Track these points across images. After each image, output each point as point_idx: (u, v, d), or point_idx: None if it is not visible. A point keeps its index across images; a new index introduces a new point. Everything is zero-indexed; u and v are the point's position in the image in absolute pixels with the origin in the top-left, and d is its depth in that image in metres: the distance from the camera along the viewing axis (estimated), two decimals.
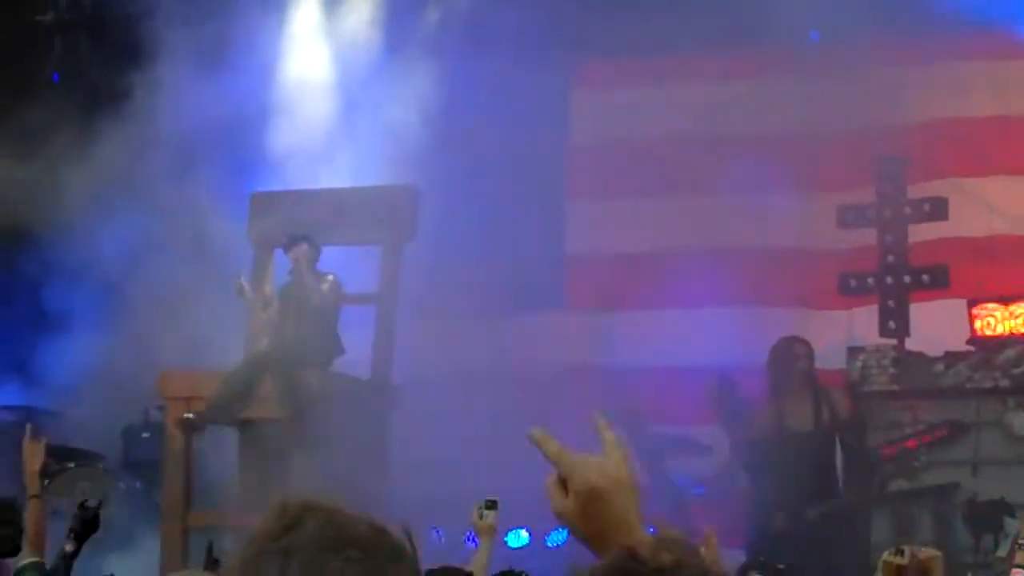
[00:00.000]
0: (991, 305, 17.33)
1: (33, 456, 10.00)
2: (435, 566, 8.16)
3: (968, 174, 18.51)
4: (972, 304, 17.47)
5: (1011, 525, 15.29)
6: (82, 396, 17.70)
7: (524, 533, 16.89)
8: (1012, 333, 17.07)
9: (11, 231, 19.95)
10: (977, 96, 18.90)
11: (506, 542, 15.25)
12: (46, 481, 16.24)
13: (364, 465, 15.56)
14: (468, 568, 8.75)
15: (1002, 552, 14.93)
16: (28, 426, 10.91)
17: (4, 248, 20.37)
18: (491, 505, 9.92)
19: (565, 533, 16.27)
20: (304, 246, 15.92)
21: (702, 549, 8.09)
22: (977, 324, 17.14)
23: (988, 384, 16.49)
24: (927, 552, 8.79)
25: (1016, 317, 17.12)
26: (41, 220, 19.10)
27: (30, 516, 9.66)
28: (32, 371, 18.59)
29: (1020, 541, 6.90)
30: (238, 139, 19.15)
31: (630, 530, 3.02)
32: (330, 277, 16.16)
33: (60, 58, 21.43)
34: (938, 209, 17.52)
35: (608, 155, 20.14)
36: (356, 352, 16.53)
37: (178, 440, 15.66)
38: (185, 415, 15.40)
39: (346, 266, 17.04)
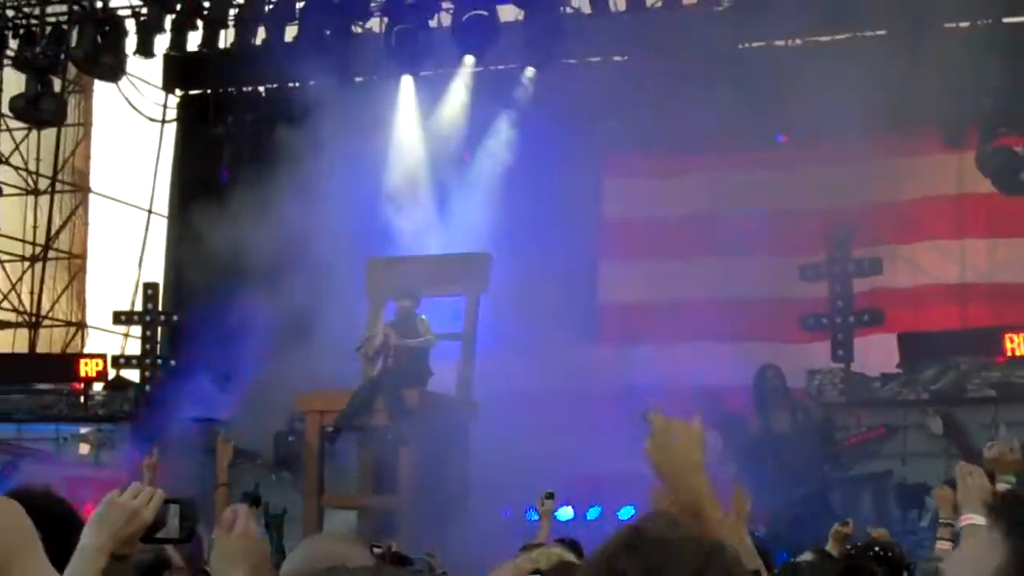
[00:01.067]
0: None
1: (223, 453, 10.30)
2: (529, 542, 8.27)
3: (899, 241, 18.92)
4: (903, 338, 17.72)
5: (931, 502, 16.07)
6: (247, 409, 18.45)
7: (570, 510, 16.69)
8: None
9: (207, 286, 20.55)
10: (905, 184, 19.08)
11: (556, 516, 15.57)
12: None
13: (451, 459, 16.02)
14: (534, 541, 8.59)
15: (924, 523, 15.30)
16: (222, 431, 11.48)
17: (203, 300, 20.73)
18: (550, 496, 10.41)
19: (600, 510, 17.01)
20: (407, 299, 16.19)
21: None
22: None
23: (912, 397, 16.97)
24: (879, 532, 9.21)
25: None
26: (226, 279, 19.74)
27: (220, 498, 9.81)
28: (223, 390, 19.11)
29: (942, 520, 6.70)
30: (358, 211, 19.38)
31: (692, 463, 3.24)
32: (424, 318, 16.23)
33: (228, 159, 22.00)
34: (875, 267, 17.83)
35: (630, 228, 20.46)
36: (446, 375, 16.64)
37: (315, 442, 15.92)
38: (328, 429, 15.74)
39: (439, 312, 17.10)
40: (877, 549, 7.22)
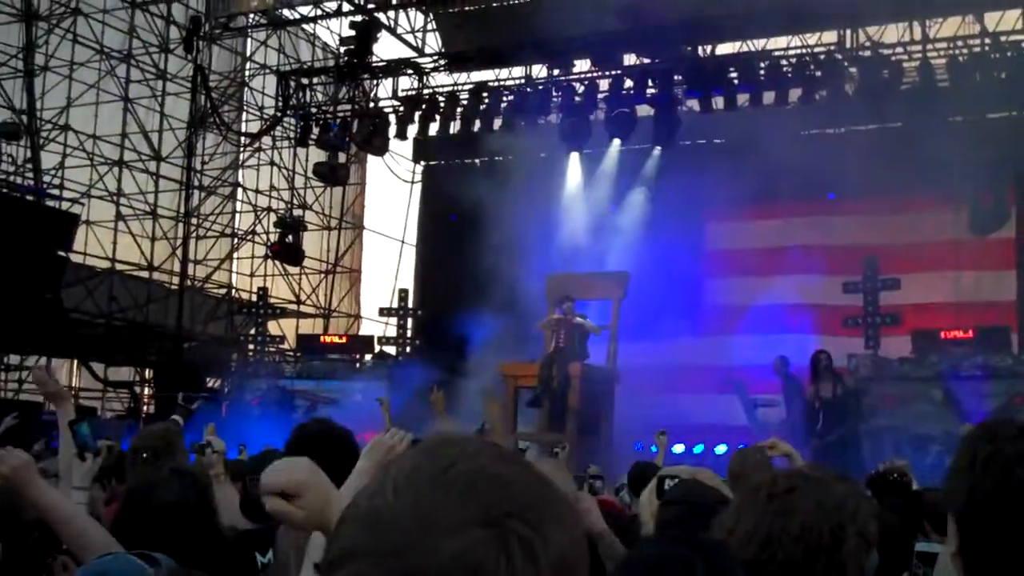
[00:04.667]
0: None
1: (438, 400, 9.76)
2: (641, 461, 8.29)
3: (913, 270, 18.56)
4: (914, 334, 17.61)
5: (932, 447, 15.72)
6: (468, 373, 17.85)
7: (681, 446, 16.72)
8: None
9: (442, 291, 21.33)
10: (917, 229, 19.06)
11: (671, 451, 14.93)
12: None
13: (602, 409, 16.26)
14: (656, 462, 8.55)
15: (928, 461, 15.53)
16: (435, 388, 11.46)
17: (439, 300, 21.41)
18: (662, 433, 10.95)
19: (703, 446, 17.09)
20: (571, 302, 16.15)
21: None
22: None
23: (921, 374, 16.62)
24: (901, 461, 9.69)
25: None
26: (454, 286, 20.34)
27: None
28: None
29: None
30: (542, 242, 19.52)
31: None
32: (584, 316, 16.38)
33: (455, 207, 21.66)
34: (895, 285, 17.80)
35: (724, 255, 20.58)
36: (599, 353, 16.88)
37: (511, 395, 16.08)
38: (526, 393, 15.91)
39: (596, 311, 17.20)
40: (895, 474, 6.91)
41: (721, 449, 17.50)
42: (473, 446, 1.14)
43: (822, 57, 19.04)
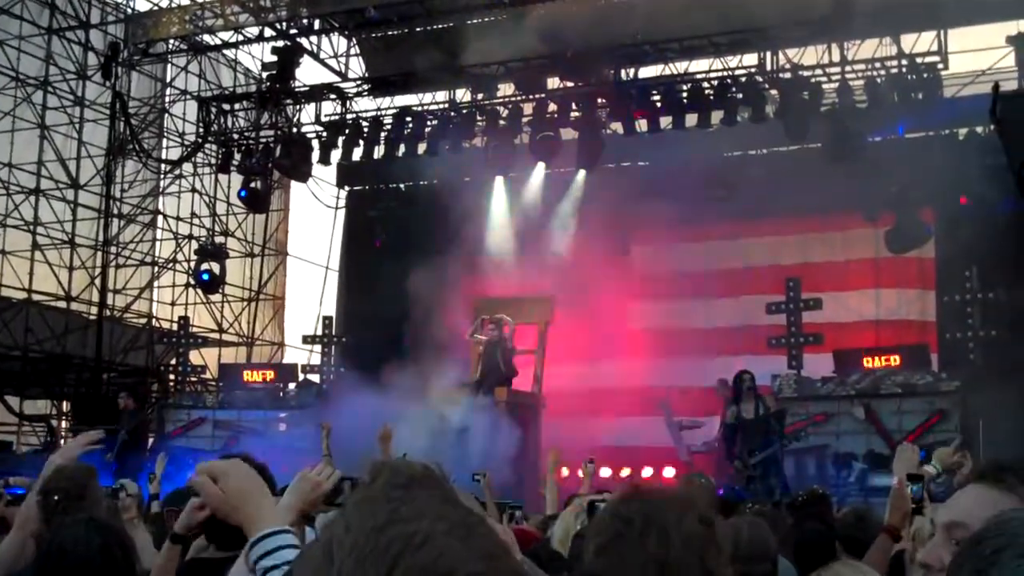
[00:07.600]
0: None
1: (386, 437, 9.59)
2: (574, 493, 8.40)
3: (835, 290, 18.90)
4: (836, 354, 17.68)
5: (856, 464, 15.90)
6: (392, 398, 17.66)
7: (608, 469, 16.79)
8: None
9: (366, 317, 21.16)
10: (838, 249, 19.43)
11: (599, 474, 15.07)
12: None
13: (528, 434, 16.23)
14: (579, 492, 8.62)
15: (851, 479, 15.58)
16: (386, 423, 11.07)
17: (364, 327, 21.45)
18: (591, 461, 10.88)
19: (628, 470, 16.92)
20: (496, 322, 16.76)
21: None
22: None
23: (843, 392, 16.83)
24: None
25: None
26: (378, 312, 20.33)
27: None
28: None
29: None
30: (467, 266, 19.28)
31: None
32: (509, 340, 16.84)
33: (380, 232, 22.43)
34: (817, 305, 18.07)
35: (651, 279, 20.46)
36: (524, 378, 17.17)
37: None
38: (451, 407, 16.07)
39: (521, 336, 17.51)
40: (802, 495, 7.22)
41: (647, 471, 17.51)
42: (423, 529, 1.07)
43: (743, 80, 19.15)
